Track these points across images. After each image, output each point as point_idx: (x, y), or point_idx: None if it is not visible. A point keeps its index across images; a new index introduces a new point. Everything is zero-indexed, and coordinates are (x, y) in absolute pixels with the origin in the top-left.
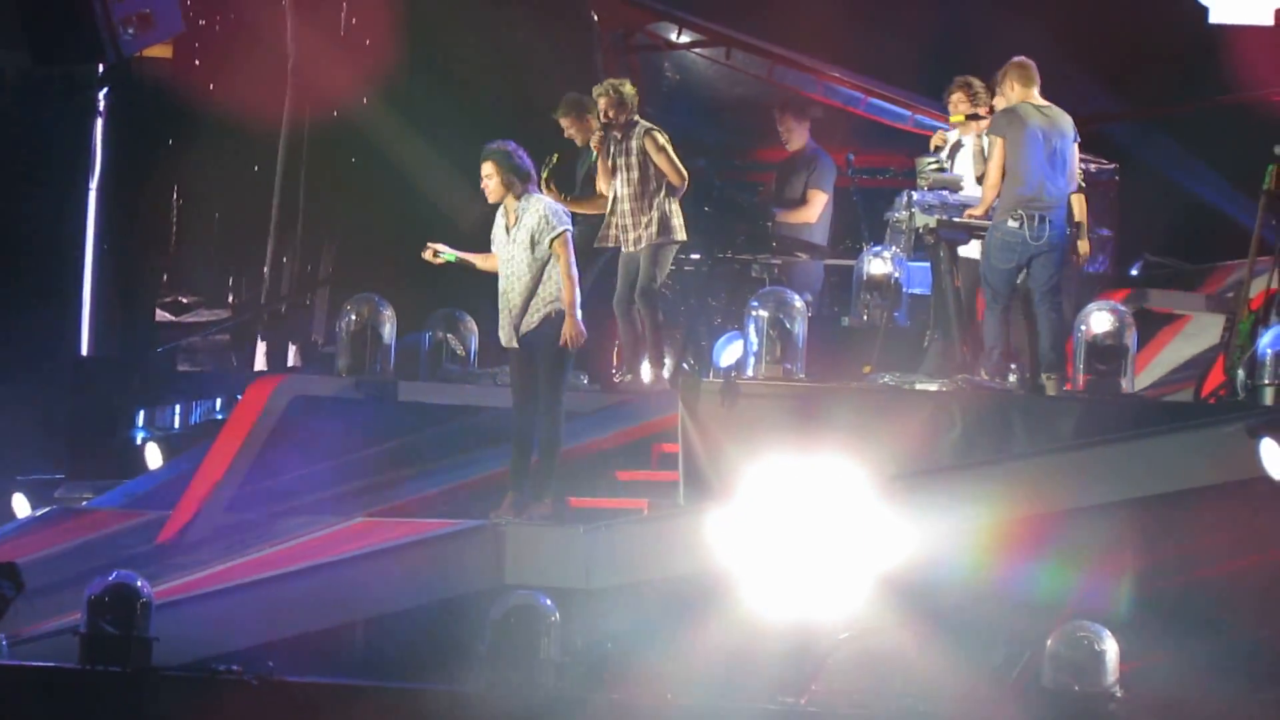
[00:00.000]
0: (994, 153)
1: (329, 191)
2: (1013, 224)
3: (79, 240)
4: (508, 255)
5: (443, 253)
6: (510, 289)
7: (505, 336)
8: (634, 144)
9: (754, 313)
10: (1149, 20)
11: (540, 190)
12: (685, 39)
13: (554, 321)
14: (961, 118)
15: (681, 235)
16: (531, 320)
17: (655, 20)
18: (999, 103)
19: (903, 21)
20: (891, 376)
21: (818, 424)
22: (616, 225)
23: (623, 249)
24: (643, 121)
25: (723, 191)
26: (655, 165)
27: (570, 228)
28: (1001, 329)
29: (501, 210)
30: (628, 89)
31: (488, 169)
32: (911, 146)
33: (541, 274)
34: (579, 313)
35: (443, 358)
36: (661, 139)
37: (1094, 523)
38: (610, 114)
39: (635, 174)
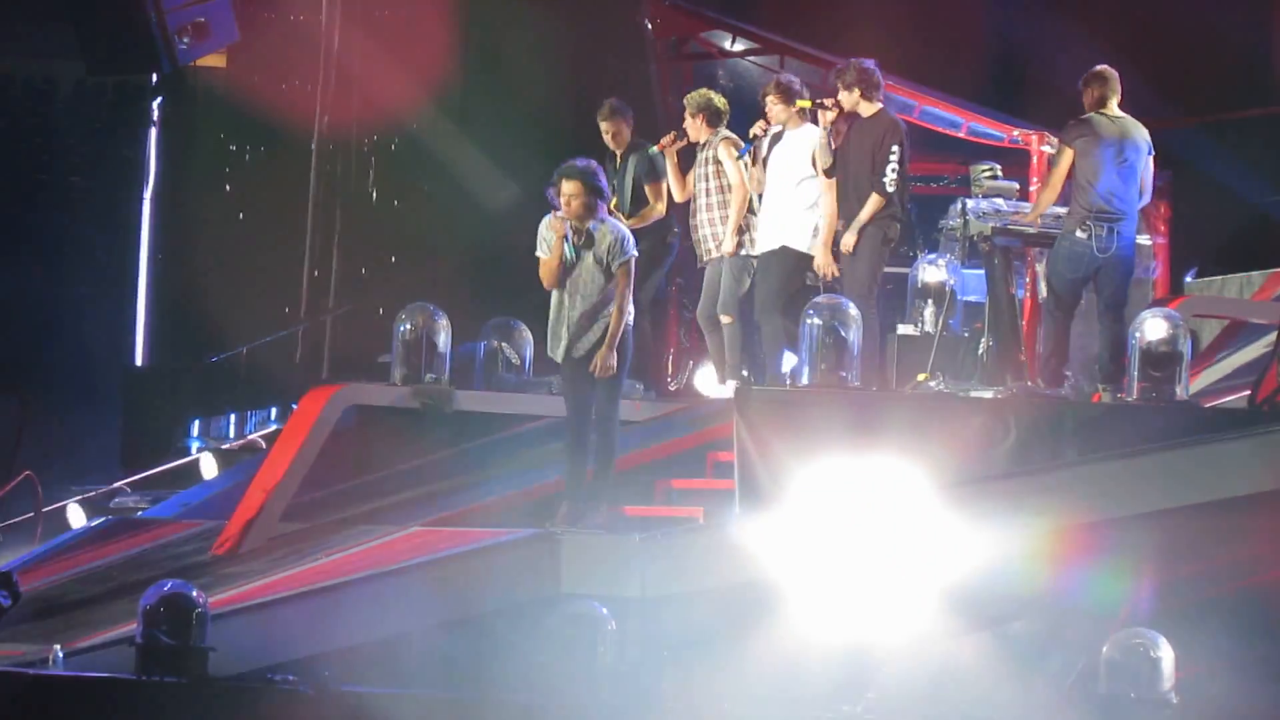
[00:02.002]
0: (1060, 160)
1: (385, 199)
2: (1081, 234)
3: (133, 250)
4: (575, 273)
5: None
6: (573, 305)
7: (558, 351)
8: (713, 152)
9: (809, 321)
10: (1204, 26)
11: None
12: (739, 47)
13: (624, 338)
14: (808, 104)
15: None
16: (592, 337)
17: (709, 28)
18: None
19: (958, 30)
20: (946, 384)
21: (872, 432)
22: (700, 236)
23: (707, 261)
24: (724, 131)
25: None
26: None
27: (635, 255)
28: (1061, 337)
29: (557, 223)
30: (719, 101)
31: (572, 189)
32: (965, 154)
33: (608, 294)
34: (617, 341)
35: (498, 366)
36: (730, 148)
37: (1149, 529)
38: (700, 124)
39: (713, 183)
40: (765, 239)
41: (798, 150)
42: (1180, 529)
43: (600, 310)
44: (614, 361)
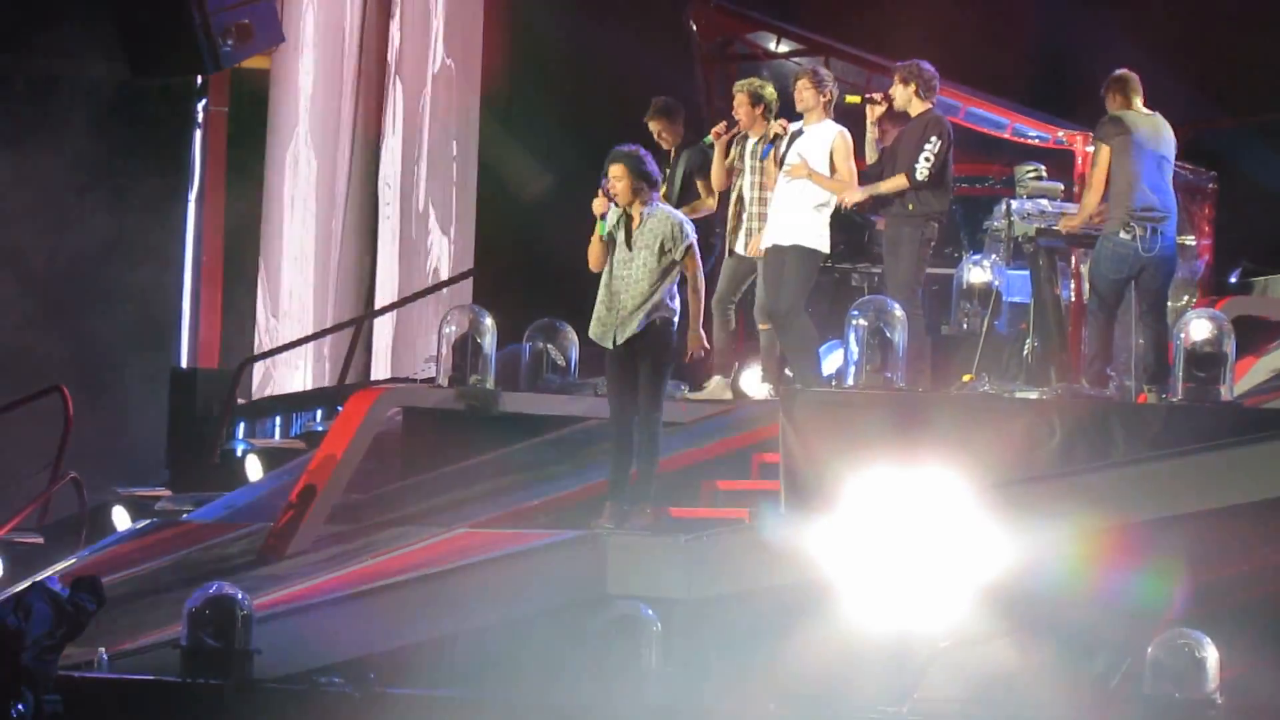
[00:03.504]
0: (1099, 160)
1: (434, 201)
2: (1125, 235)
3: (178, 252)
4: (625, 258)
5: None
6: (622, 290)
7: (605, 337)
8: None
9: (854, 322)
10: (1250, 25)
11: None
12: (784, 48)
13: (659, 330)
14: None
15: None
16: (638, 325)
17: (754, 29)
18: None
19: (1003, 31)
20: (991, 385)
21: (918, 433)
22: (744, 229)
23: (740, 252)
24: (775, 124)
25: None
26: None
27: (695, 239)
28: (1105, 338)
29: (614, 212)
30: (769, 90)
31: (617, 171)
32: (1010, 155)
33: (659, 281)
34: (700, 323)
35: (543, 368)
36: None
37: (1193, 529)
38: (746, 113)
39: (761, 177)
40: (774, 234)
41: (816, 146)
42: (1225, 529)
43: (647, 300)
44: (705, 341)
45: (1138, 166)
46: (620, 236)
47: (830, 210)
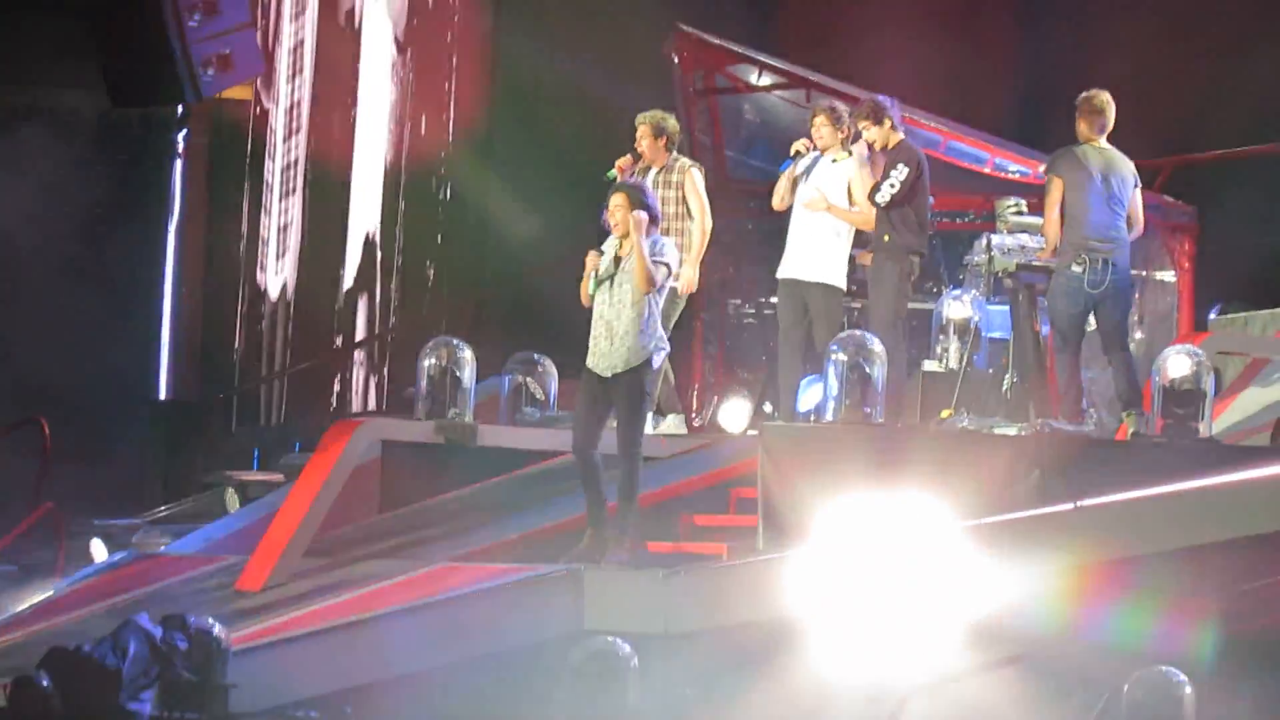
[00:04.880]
0: (1051, 193)
1: (410, 234)
2: (1076, 268)
3: (158, 282)
4: (618, 282)
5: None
6: (614, 319)
7: (599, 366)
8: (674, 179)
9: (833, 356)
10: (1231, 59)
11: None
12: (766, 81)
13: (641, 370)
14: (848, 154)
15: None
16: (615, 360)
17: (735, 62)
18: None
19: (985, 64)
20: (970, 420)
21: (896, 469)
22: None
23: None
24: (685, 158)
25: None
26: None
27: (669, 264)
28: (1073, 372)
29: (613, 244)
30: (672, 123)
31: (618, 199)
32: (991, 189)
33: (645, 312)
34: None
35: (522, 401)
36: (701, 178)
37: (1172, 567)
38: (650, 145)
39: (672, 208)
40: (794, 267)
41: (836, 179)
42: (1204, 566)
43: (631, 332)
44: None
45: (1088, 199)
46: (595, 282)
47: (848, 240)
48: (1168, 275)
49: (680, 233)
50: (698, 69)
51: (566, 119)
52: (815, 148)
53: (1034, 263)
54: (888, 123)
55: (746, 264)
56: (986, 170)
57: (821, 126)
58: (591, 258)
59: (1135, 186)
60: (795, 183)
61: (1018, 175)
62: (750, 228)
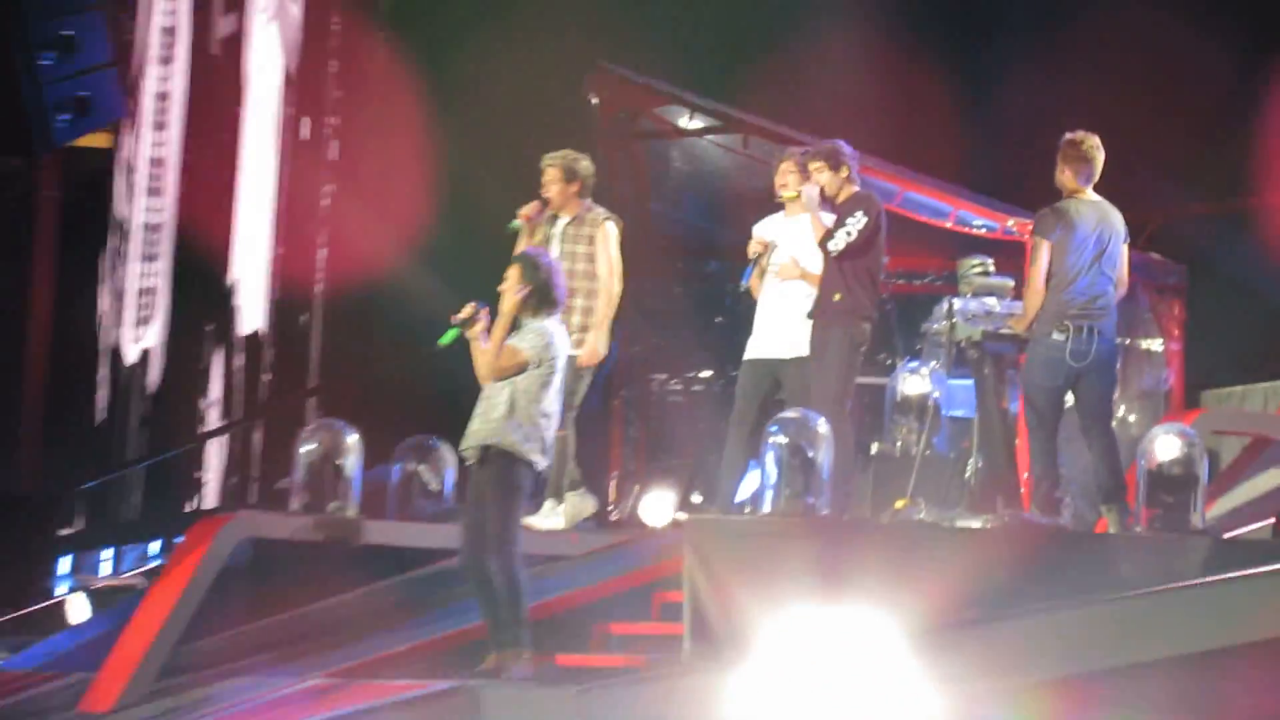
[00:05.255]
0: (1037, 257)
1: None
2: (1058, 336)
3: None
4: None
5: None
6: (492, 395)
7: (467, 443)
8: (586, 231)
9: (773, 439)
10: (1220, 102)
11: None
12: (697, 124)
13: (499, 456)
14: (795, 194)
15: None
16: (475, 438)
17: (663, 103)
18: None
19: (945, 107)
20: (928, 513)
21: (844, 568)
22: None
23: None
24: (600, 208)
25: (737, 300)
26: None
27: (528, 355)
28: (1049, 457)
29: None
30: (585, 165)
31: (511, 273)
32: (953, 247)
33: (512, 396)
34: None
35: (414, 493)
36: (616, 234)
37: (1159, 680)
38: (559, 191)
39: (584, 265)
40: (766, 344)
41: (804, 240)
42: (1196, 679)
43: (492, 410)
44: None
45: (1078, 261)
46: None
47: None
48: (1155, 344)
49: (591, 294)
50: (620, 111)
51: (472, 168)
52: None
53: (1003, 331)
54: (845, 171)
55: (674, 334)
56: (948, 225)
57: (787, 174)
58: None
59: (1125, 241)
60: (764, 271)
61: (983, 230)
62: (678, 291)
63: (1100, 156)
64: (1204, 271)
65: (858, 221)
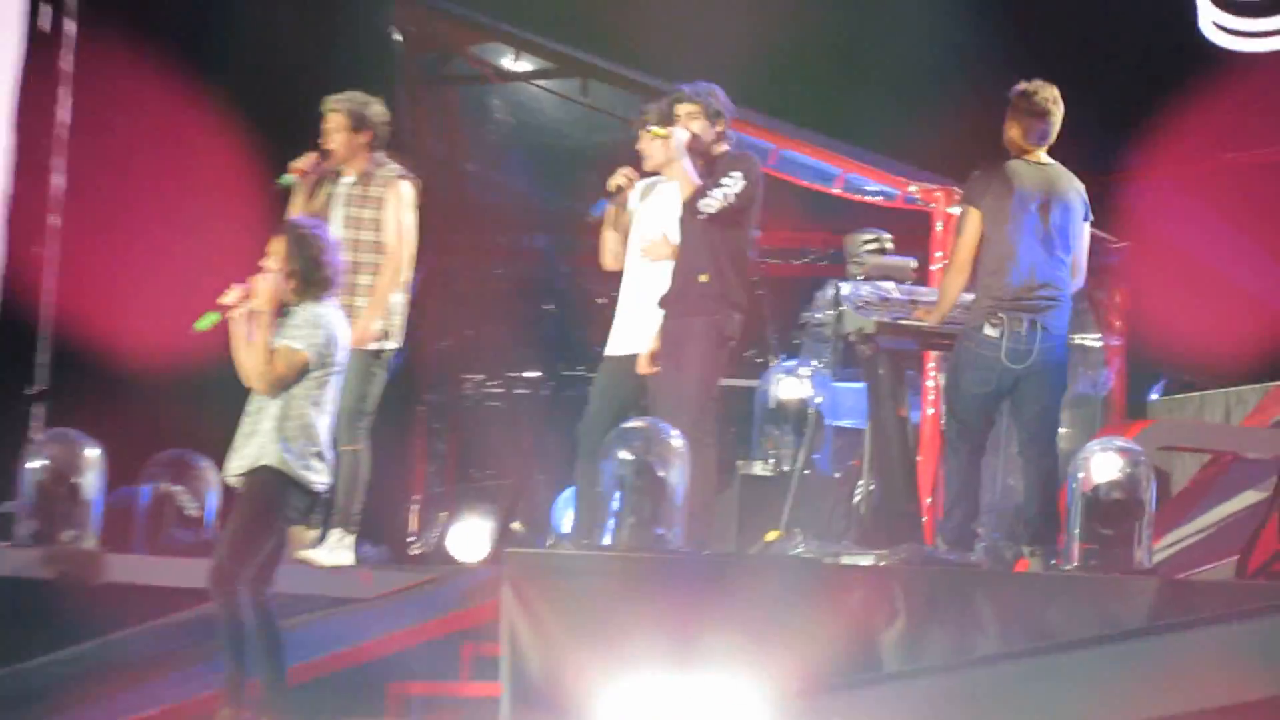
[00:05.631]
0: (966, 228)
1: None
2: (991, 331)
3: None
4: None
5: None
6: (250, 420)
7: (231, 465)
8: (375, 192)
9: (613, 454)
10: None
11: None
12: (525, 66)
13: (260, 477)
14: (666, 134)
15: (395, 341)
16: (244, 459)
17: (482, 40)
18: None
19: (831, 51)
20: (808, 546)
21: (701, 614)
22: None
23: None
24: (394, 164)
25: (572, 283)
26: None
27: (306, 350)
28: (969, 480)
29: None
30: (376, 110)
31: (275, 250)
32: (841, 218)
33: (285, 404)
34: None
35: (169, 520)
36: (412, 196)
37: None
38: (344, 141)
39: (371, 234)
40: (628, 339)
41: (675, 213)
42: None
43: (260, 422)
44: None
45: (1016, 237)
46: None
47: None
48: (1091, 338)
49: (380, 270)
50: (429, 49)
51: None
52: (642, 174)
53: (903, 322)
54: (721, 124)
55: (492, 325)
56: (834, 191)
57: (692, 121)
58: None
59: (1086, 218)
60: (625, 229)
61: (880, 199)
62: (498, 273)
63: (1058, 112)
64: (1150, 250)
65: (735, 182)
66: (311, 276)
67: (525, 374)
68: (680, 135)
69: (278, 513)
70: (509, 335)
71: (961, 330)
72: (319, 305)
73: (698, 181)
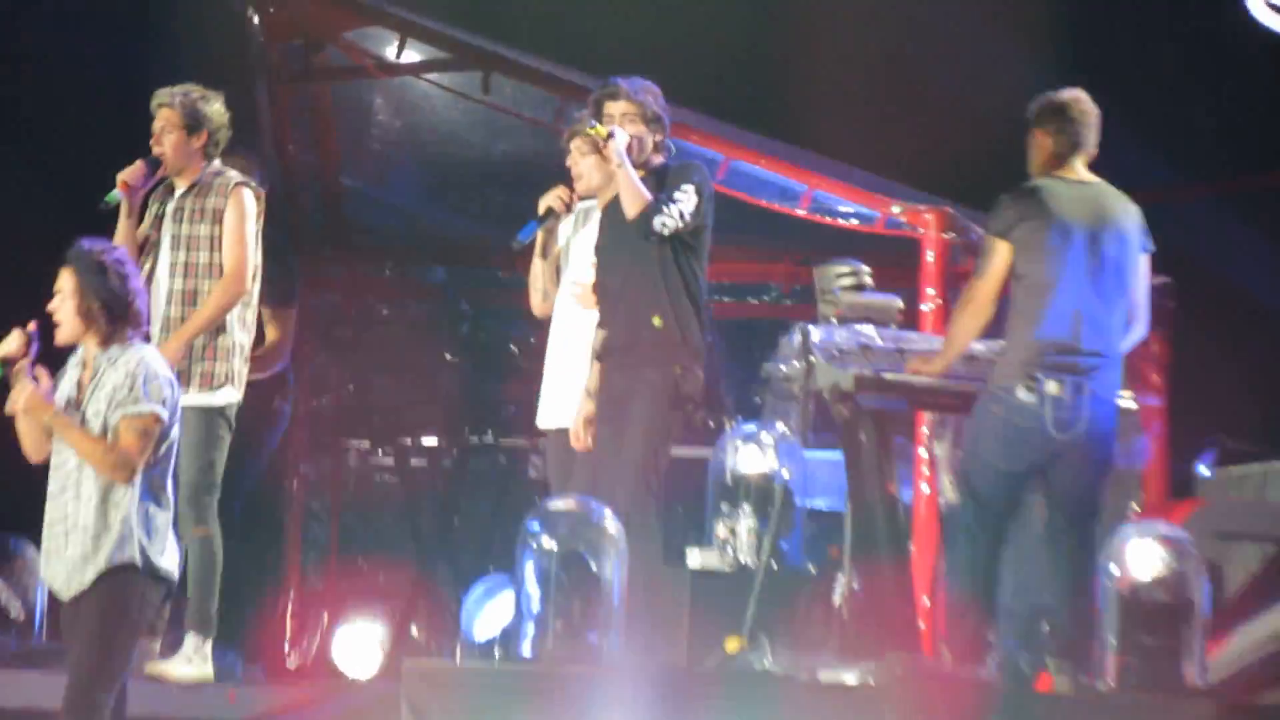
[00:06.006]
0: (992, 263)
1: None
2: (1026, 396)
3: None
4: (59, 447)
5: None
6: (67, 512)
7: (55, 581)
8: (211, 204)
9: (533, 542)
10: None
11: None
12: (413, 56)
13: (118, 579)
14: (605, 133)
15: (237, 392)
16: (86, 575)
17: (361, 24)
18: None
19: (794, 38)
20: (777, 657)
21: None
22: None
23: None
24: (232, 170)
25: (479, 324)
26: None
27: (160, 409)
28: (985, 576)
29: (76, 360)
30: (215, 109)
31: (63, 285)
32: (809, 246)
33: (108, 481)
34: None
35: None
36: (256, 208)
37: None
38: (175, 145)
39: (202, 256)
40: (561, 407)
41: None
42: None
43: (80, 513)
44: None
45: (1058, 273)
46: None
47: None
48: (1124, 398)
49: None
50: (295, 36)
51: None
52: (574, 198)
53: (887, 376)
54: (659, 134)
55: (381, 379)
56: (800, 212)
57: (584, 148)
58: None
59: (1144, 249)
60: (556, 261)
61: (854, 222)
62: (384, 313)
63: (1096, 122)
64: (1198, 285)
65: (688, 197)
66: (117, 311)
67: (423, 441)
68: (622, 136)
69: (140, 617)
70: (404, 392)
71: (985, 391)
72: (134, 349)
73: (647, 195)
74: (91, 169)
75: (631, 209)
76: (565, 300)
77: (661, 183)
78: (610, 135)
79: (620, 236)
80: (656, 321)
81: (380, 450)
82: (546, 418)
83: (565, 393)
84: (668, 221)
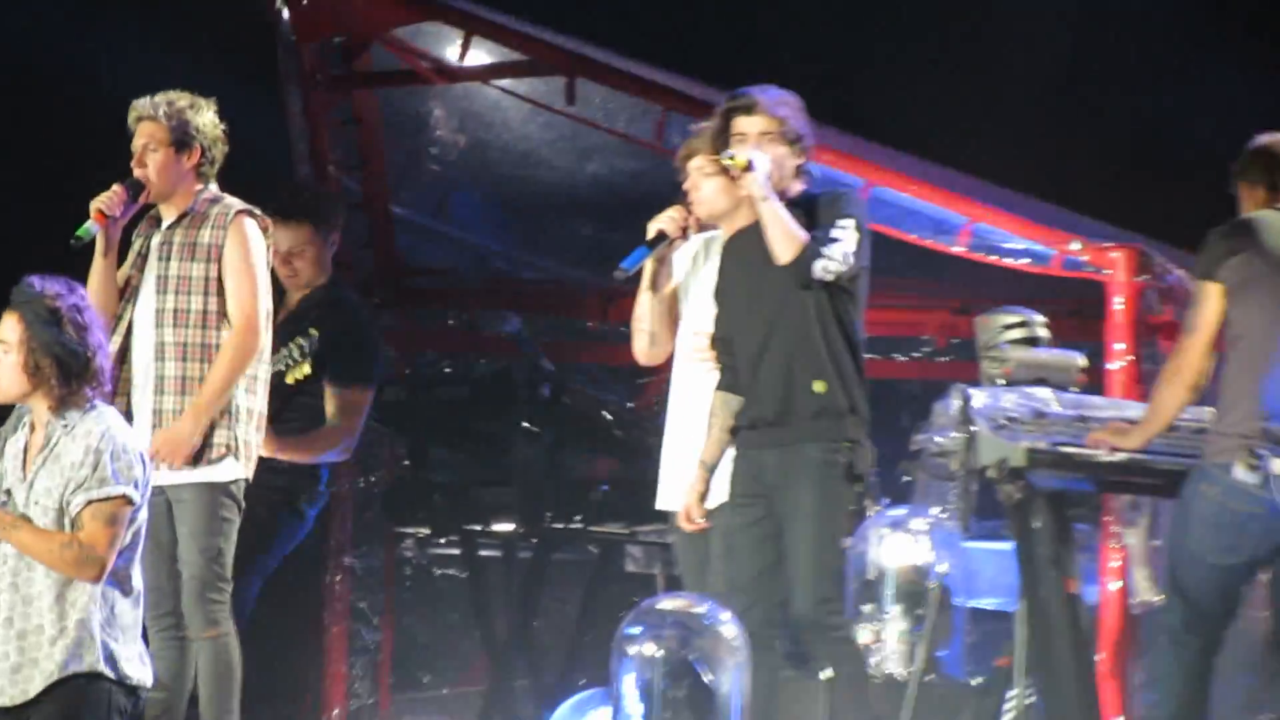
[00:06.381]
0: (1199, 313)
1: None
2: (1245, 475)
3: None
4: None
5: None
6: (33, 597)
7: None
8: (206, 238)
9: (631, 650)
10: None
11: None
12: (480, 59)
13: (76, 689)
14: (744, 163)
15: (243, 467)
16: (32, 680)
17: (413, 18)
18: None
19: (942, 31)
20: None
21: None
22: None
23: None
24: (231, 197)
25: (563, 385)
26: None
27: (132, 490)
28: (1196, 689)
29: (22, 420)
30: (207, 120)
31: (10, 328)
32: (970, 291)
33: (61, 580)
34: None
35: None
36: (260, 238)
37: None
38: (161, 165)
39: (198, 301)
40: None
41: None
42: None
43: (29, 617)
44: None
45: None
46: (11, 473)
47: None
48: None
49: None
50: (332, 33)
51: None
52: (692, 224)
53: (1068, 450)
54: (801, 156)
55: (443, 451)
56: (958, 250)
57: (706, 168)
58: None
59: None
60: (669, 300)
61: (1026, 261)
62: (447, 371)
63: None
64: None
65: (848, 234)
66: (73, 370)
67: (494, 527)
68: (764, 164)
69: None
70: (467, 469)
71: (1194, 469)
72: (94, 414)
73: (803, 234)
74: (84, 190)
75: (785, 252)
76: (685, 353)
77: (810, 216)
78: (749, 166)
79: (756, 281)
80: (818, 387)
81: (442, 538)
82: (668, 497)
83: (691, 465)
84: (830, 265)
